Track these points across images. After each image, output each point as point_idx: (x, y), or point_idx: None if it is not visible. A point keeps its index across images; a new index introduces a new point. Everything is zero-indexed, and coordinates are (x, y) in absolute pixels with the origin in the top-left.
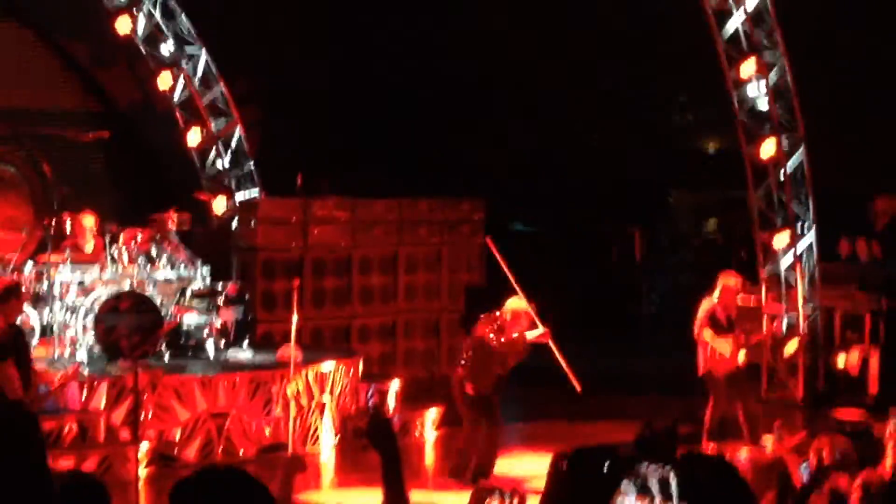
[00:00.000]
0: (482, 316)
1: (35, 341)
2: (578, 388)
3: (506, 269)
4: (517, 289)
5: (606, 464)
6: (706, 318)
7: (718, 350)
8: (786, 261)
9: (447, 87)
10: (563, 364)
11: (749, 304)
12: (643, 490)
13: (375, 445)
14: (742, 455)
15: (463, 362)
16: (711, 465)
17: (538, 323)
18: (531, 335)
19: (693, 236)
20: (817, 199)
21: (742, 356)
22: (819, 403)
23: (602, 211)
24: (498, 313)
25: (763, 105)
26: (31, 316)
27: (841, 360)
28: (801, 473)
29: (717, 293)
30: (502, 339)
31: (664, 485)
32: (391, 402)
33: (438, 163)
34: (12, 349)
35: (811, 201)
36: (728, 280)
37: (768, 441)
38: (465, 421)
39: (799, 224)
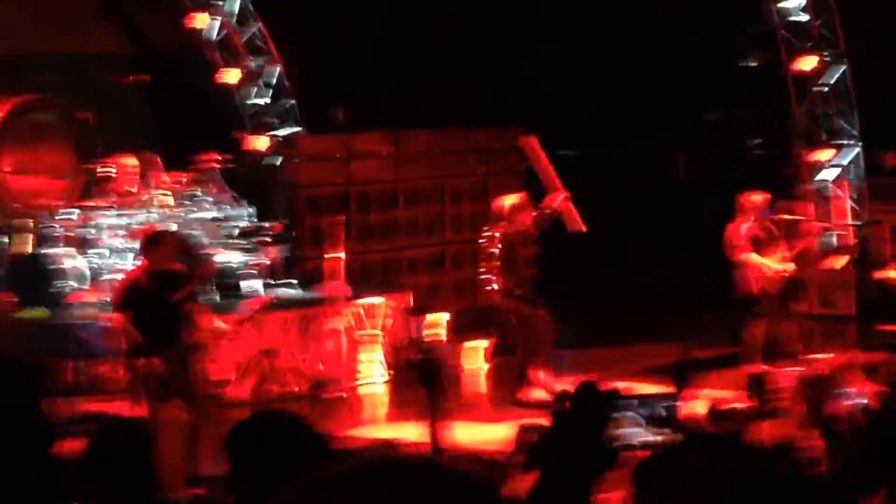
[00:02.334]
0: (487, 227)
1: (86, 287)
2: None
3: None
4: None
5: (604, 401)
6: (747, 241)
7: (763, 268)
8: (830, 175)
9: (484, 14)
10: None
11: (792, 219)
12: (640, 422)
13: (423, 385)
14: (790, 373)
15: (485, 270)
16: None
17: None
18: (555, 203)
19: (734, 154)
20: (861, 113)
21: (786, 271)
22: (868, 318)
23: (645, 133)
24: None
25: (803, 19)
26: (77, 261)
27: (892, 274)
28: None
29: (746, 215)
30: (533, 219)
31: (659, 417)
32: (441, 334)
33: (479, 91)
34: (134, 300)
35: (855, 116)
36: (753, 198)
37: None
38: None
39: (843, 139)
